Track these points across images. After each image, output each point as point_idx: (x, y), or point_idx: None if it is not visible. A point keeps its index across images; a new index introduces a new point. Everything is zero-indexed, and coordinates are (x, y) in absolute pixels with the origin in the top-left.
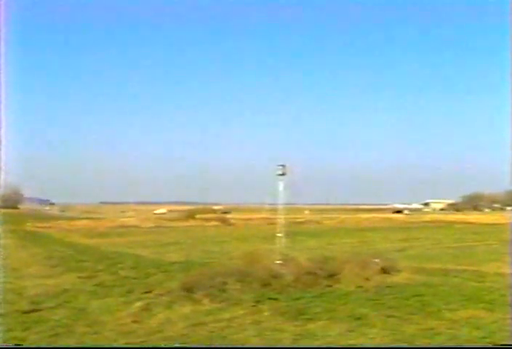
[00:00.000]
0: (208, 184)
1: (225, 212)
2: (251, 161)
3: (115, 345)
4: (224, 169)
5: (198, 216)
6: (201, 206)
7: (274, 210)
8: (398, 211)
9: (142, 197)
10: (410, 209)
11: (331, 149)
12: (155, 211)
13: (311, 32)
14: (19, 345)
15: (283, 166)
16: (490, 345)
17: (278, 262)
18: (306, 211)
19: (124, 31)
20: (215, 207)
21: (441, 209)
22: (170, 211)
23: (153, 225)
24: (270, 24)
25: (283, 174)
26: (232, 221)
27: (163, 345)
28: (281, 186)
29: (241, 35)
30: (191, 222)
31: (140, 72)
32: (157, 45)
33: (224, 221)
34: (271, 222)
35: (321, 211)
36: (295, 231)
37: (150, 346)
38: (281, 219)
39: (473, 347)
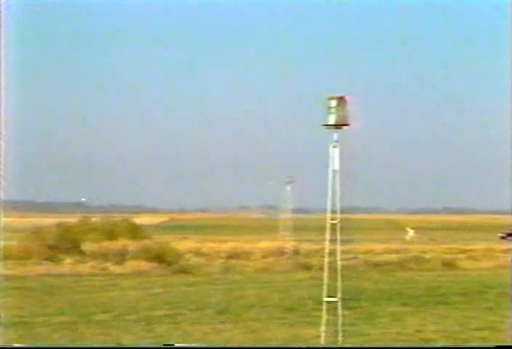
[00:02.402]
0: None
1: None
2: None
3: (115, 345)
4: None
5: (85, 246)
6: (94, 215)
7: (307, 229)
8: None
9: None
10: None
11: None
12: None
13: None
14: (18, 345)
15: (342, 99)
16: (490, 345)
17: None
18: (409, 231)
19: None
20: (137, 218)
21: None
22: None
23: None
24: None
25: (341, 126)
26: (190, 258)
27: (163, 345)
28: (335, 155)
29: None
30: (65, 265)
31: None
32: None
33: (162, 258)
34: (304, 264)
35: (445, 224)
36: (382, 290)
37: (150, 346)
38: (336, 254)
39: (474, 347)
